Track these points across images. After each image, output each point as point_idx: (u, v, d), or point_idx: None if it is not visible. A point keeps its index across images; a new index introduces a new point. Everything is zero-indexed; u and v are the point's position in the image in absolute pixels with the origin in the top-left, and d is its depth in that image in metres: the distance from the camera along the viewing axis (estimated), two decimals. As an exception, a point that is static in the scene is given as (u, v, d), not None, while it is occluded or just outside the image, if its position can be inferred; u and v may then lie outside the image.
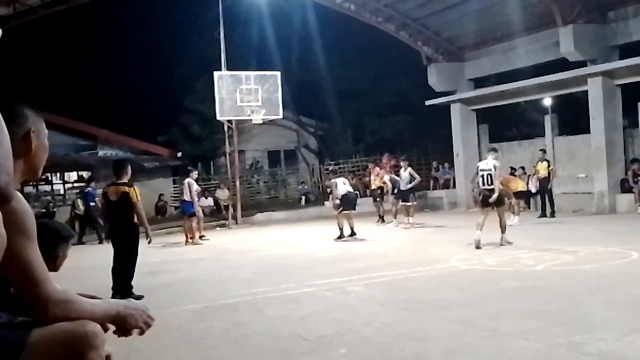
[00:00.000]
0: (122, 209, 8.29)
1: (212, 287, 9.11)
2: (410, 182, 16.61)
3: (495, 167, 11.53)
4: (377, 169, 19.16)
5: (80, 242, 17.38)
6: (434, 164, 25.48)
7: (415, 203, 16.97)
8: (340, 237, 14.27)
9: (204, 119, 27.05)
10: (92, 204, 17.85)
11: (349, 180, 15.28)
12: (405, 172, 16.67)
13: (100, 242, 16.91)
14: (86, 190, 18.63)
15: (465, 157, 22.81)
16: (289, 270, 10.25)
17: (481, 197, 11.77)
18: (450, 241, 12.98)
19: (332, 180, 14.60)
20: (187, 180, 15.74)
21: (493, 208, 11.56)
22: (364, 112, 30.22)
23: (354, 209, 14.44)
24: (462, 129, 23.02)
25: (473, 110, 23.09)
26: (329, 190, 15.40)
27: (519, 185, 16.92)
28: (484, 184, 11.62)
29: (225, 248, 14.53)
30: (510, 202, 15.61)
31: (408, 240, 13.74)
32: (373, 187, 18.98)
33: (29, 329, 2.09)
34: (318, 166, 29.09)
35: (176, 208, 26.14)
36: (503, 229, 11.65)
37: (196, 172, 16.85)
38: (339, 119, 30.64)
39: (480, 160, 14.38)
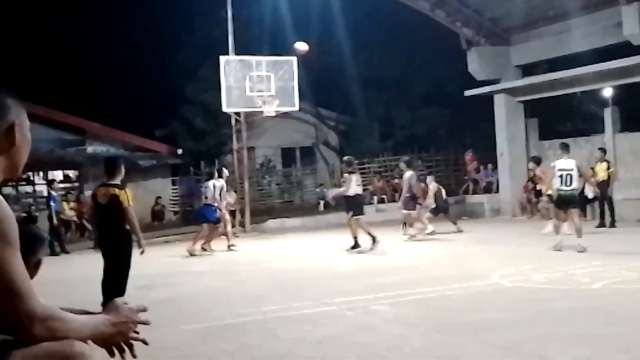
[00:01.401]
0: (112, 214, 8.37)
1: (216, 303, 9.15)
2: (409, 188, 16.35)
3: (577, 167, 12.61)
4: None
5: (63, 250, 17.52)
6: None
7: (416, 212, 16.68)
8: (355, 246, 14.36)
9: (208, 111, 27.17)
10: (54, 209, 17.66)
11: (360, 179, 15.23)
12: (407, 175, 16.42)
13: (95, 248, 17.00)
14: (49, 193, 18.59)
15: (511, 156, 22.67)
16: (305, 286, 10.27)
17: (557, 198, 12.79)
18: (492, 254, 12.93)
19: (347, 175, 14.62)
20: (212, 182, 15.70)
21: (566, 212, 12.70)
22: (393, 104, 30.20)
23: (363, 213, 14.55)
24: (508, 124, 22.89)
25: (520, 101, 22.95)
26: (342, 185, 15.14)
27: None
28: (562, 184, 12.53)
29: (232, 259, 14.59)
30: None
31: (443, 252, 13.71)
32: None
33: (10, 350, 2.10)
34: (339, 166, 29.10)
35: (176, 213, 26.34)
36: (579, 233, 12.40)
37: (227, 172, 16.81)
38: (364, 111, 30.62)
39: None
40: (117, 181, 8.51)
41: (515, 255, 12.49)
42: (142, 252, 8.65)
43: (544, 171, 16.27)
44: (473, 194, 24.67)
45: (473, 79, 23.33)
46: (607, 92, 24.06)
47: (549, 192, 15.28)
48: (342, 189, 14.79)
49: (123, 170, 8.67)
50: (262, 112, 20.74)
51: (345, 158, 15.80)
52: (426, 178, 18.60)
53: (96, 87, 31.89)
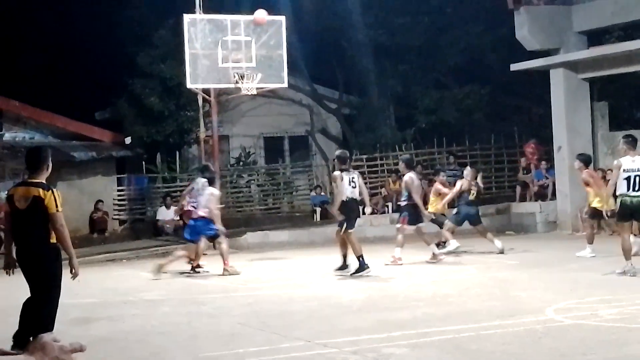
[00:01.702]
0: (33, 223, 8.35)
1: (175, 344, 9.12)
2: (408, 196, 16.41)
3: None
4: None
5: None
6: (523, 161, 25.42)
7: (407, 226, 16.61)
8: (343, 267, 14.82)
9: (166, 87, 27.13)
10: None
11: (360, 177, 15.35)
12: (406, 178, 16.47)
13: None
14: None
15: (572, 151, 22.66)
16: (295, 321, 10.25)
17: (621, 207, 12.91)
18: (545, 281, 12.93)
19: (336, 173, 14.86)
20: (208, 188, 15.92)
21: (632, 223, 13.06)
22: (415, 81, 30.18)
23: (352, 226, 14.75)
24: (568, 109, 22.90)
25: (585, 79, 22.97)
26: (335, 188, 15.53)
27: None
28: (629, 189, 12.71)
29: (198, 285, 14.56)
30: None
31: (479, 279, 13.71)
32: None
33: None
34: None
35: (122, 222, 26.28)
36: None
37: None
38: (376, 90, 30.60)
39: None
40: (42, 179, 8.49)
41: (577, 283, 12.49)
42: (74, 277, 8.49)
43: (592, 175, 16.46)
44: (521, 200, 24.68)
45: (522, 48, 23.33)
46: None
47: (596, 203, 15.90)
48: (337, 197, 14.89)
49: (50, 164, 8.66)
50: (239, 89, 20.72)
51: (337, 152, 15.96)
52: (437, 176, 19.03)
53: (15, 55, 31.81)
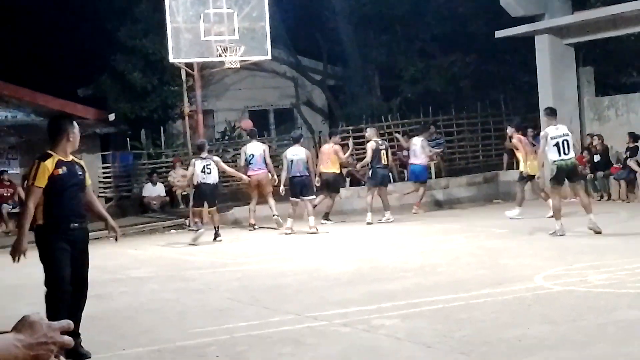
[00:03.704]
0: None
1: (165, 320, 9.14)
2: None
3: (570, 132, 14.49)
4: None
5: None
6: (508, 129, 25.39)
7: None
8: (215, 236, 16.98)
9: (149, 62, 27.00)
10: None
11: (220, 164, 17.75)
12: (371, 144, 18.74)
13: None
14: None
15: (559, 117, 22.67)
16: (284, 295, 10.29)
17: (556, 171, 14.08)
18: (534, 248, 13.00)
19: (192, 160, 17.71)
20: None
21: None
22: (400, 51, 30.09)
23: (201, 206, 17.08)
24: (554, 75, 22.90)
25: (570, 45, 22.96)
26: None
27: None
28: (560, 154, 13.97)
29: (185, 261, 14.59)
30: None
31: (468, 248, 13.76)
32: None
33: None
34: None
35: (108, 200, 26.23)
36: (588, 209, 14.06)
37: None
38: (360, 61, 30.54)
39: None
40: (60, 151, 7.79)
41: (566, 249, 12.55)
42: (15, 258, 7.81)
43: (521, 140, 17.83)
44: (508, 168, 24.70)
45: (507, 15, 23.29)
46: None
47: (524, 167, 18.01)
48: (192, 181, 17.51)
49: (73, 134, 7.90)
50: (222, 62, 20.66)
51: (197, 141, 18.83)
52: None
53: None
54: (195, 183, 17.10)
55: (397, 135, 24.99)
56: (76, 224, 7.81)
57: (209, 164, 17.07)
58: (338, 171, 19.55)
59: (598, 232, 13.70)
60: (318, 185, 18.57)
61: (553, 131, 14.19)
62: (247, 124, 25.16)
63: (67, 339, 2.40)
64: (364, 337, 7.76)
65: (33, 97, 26.25)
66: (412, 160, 20.68)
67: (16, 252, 7.75)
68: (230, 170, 19.15)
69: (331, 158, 19.17)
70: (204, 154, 17.30)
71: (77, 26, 30.22)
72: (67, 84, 29.11)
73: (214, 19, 20.03)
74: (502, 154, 25.14)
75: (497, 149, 26.16)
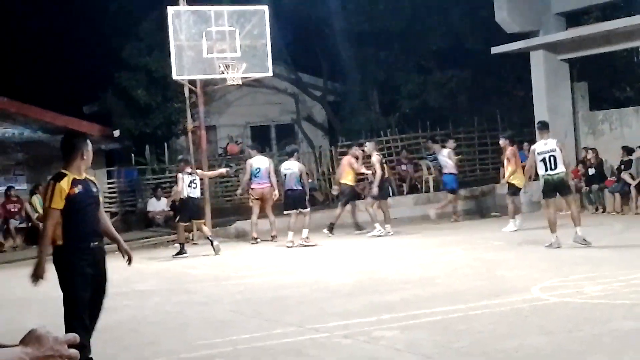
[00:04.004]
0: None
1: (168, 333, 9.14)
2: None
3: (560, 148, 14.22)
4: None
5: None
6: (501, 141, 25.36)
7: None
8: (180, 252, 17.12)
9: (152, 80, 27.05)
10: None
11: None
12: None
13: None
14: None
15: (554, 131, 22.69)
16: (286, 307, 10.29)
17: (544, 184, 14.23)
18: (531, 260, 13.01)
19: (179, 175, 17.70)
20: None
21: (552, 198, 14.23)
22: (398, 67, 30.15)
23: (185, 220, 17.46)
24: (549, 90, 22.94)
25: (565, 60, 23.00)
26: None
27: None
28: (546, 169, 14.01)
29: (188, 274, 14.57)
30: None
31: (466, 260, 13.76)
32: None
33: None
34: (328, 149, 29.12)
35: (114, 215, 26.23)
36: (577, 221, 13.93)
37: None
38: (359, 77, 30.56)
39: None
40: (73, 170, 7.51)
41: (562, 261, 12.55)
42: (35, 281, 7.56)
43: (515, 153, 18.44)
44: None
45: (502, 31, 23.35)
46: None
47: (515, 180, 18.12)
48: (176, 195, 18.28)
49: (86, 152, 7.62)
50: (224, 79, 20.69)
51: (181, 157, 19.84)
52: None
53: (1, 52, 31.63)
54: (183, 197, 17.38)
55: (429, 144, 25.07)
56: (95, 243, 7.61)
57: (195, 179, 17.51)
58: (351, 183, 19.47)
59: (586, 245, 13.69)
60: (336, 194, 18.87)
61: (540, 147, 14.32)
62: (233, 148, 26.35)
63: (74, 352, 2.40)
64: (364, 349, 7.76)
65: (39, 114, 26.27)
66: (444, 170, 21.09)
67: (37, 277, 7.51)
68: (211, 173, 19.53)
69: (345, 170, 19.26)
70: (189, 169, 17.67)
71: (83, 44, 30.31)
72: (72, 102, 29.18)
73: (216, 37, 20.08)
74: (499, 167, 25.14)
75: (493, 163, 26.17)
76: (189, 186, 17.26)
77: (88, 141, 7.77)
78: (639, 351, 6.86)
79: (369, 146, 19.35)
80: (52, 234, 7.43)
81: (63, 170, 7.51)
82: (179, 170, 18.37)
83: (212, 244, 16.96)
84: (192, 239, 19.97)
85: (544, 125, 15.13)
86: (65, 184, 7.37)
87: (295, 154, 19.13)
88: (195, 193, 17.54)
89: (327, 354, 7.63)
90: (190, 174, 17.49)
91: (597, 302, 9.20)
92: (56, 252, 7.51)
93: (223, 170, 19.66)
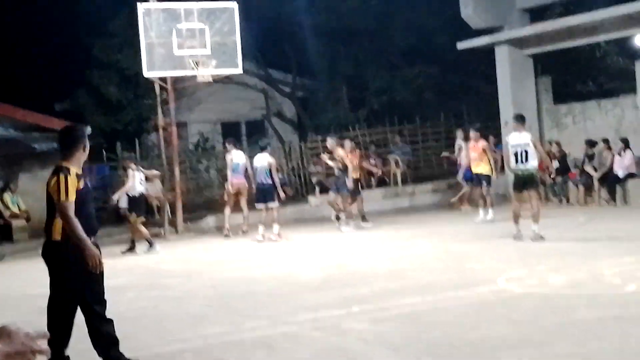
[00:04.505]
0: (49, 215, 7.53)
1: (142, 328, 9.11)
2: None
3: (533, 142, 13.88)
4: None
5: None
6: (472, 133, 25.46)
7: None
8: (131, 248, 17.12)
9: (123, 77, 26.92)
10: None
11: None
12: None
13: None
14: None
15: (519, 125, 22.91)
16: (258, 301, 10.29)
17: (514, 178, 14.23)
18: (497, 252, 13.09)
19: (129, 172, 17.50)
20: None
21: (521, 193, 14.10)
22: (366, 63, 30.22)
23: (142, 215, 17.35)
24: (513, 84, 23.07)
25: (529, 55, 23.14)
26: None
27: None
28: (517, 163, 13.88)
29: (161, 270, 14.51)
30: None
31: (433, 253, 13.82)
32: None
33: None
34: (298, 144, 29.11)
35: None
36: (535, 218, 13.78)
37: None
38: (328, 73, 30.61)
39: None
40: (72, 163, 7.27)
41: (527, 253, 12.65)
42: (95, 270, 7.28)
43: (474, 147, 18.48)
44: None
45: (468, 27, 23.44)
46: (639, 40, 24.38)
47: (481, 169, 18.40)
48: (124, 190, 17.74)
49: (86, 145, 7.48)
50: (195, 76, 20.62)
51: (126, 154, 19.91)
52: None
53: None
54: (135, 194, 17.34)
55: (396, 138, 25.28)
56: (92, 239, 7.23)
57: (142, 176, 17.60)
58: (354, 176, 19.15)
59: (541, 240, 13.63)
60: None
61: (514, 139, 14.06)
62: None
63: (45, 347, 2.40)
64: (334, 341, 7.78)
65: (11, 111, 25.99)
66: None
67: (98, 261, 7.15)
68: (148, 172, 19.24)
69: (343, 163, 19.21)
70: (133, 166, 17.68)
71: (54, 42, 30.08)
72: (44, 99, 28.92)
73: (187, 34, 20.01)
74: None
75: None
76: (140, 183, 17.28)
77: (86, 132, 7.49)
78: (602, 340, 6.93)
79: (330, 142, 19.22)
80: (76, 220, 7.03)
81: (65, 164, 7.18)
82: (125, 167, 18.52)
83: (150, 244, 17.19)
84: (164, 234, 19.93)
85: (521, 118, 14.72)
86: (74, 178, 7.10)
87: (268, 147, 19.08)
88: (144, 190, 17.72)
89: (297, 347, 7.64)
90: (139, 170, 17.53)
91: (561, 292, 9.28)
92: (53, 247, 7.24)
93: (157, 172, 19.96)
